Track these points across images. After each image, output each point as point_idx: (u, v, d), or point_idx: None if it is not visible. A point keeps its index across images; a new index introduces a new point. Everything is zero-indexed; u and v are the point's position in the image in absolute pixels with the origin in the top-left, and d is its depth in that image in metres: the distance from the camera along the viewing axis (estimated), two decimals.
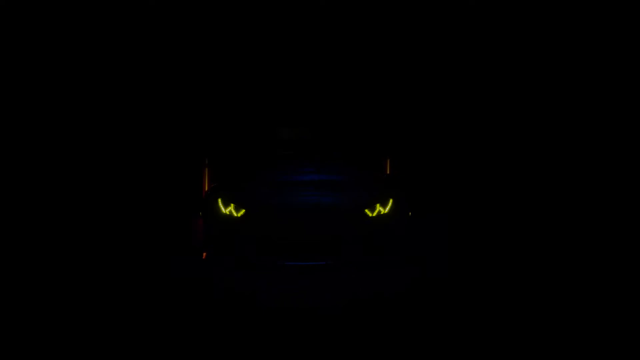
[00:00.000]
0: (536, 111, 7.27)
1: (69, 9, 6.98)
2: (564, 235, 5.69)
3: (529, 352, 3.13)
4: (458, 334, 3.36)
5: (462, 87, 7.42)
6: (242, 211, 4.40)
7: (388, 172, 5.57)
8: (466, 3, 7.23)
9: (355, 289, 4.15)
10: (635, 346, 3.19)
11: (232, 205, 4.43)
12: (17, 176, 6.73)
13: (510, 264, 4.79)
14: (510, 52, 7.30)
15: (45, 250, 5.24)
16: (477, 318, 3.59)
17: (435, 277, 4.46)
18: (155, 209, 6.81)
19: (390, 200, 4.47)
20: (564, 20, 7.13)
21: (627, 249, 5.18)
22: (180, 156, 7.11)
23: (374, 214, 4.40)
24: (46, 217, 6.36)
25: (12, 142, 6.85)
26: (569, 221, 6.24)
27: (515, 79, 7.31)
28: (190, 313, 3.69)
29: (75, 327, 3.47)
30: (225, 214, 4.42)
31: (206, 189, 5.36)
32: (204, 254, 4.55)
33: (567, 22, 7.13)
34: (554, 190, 6.99)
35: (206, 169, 5.39)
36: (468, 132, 7.40)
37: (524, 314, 3.66)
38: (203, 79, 7.35)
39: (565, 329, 3.42)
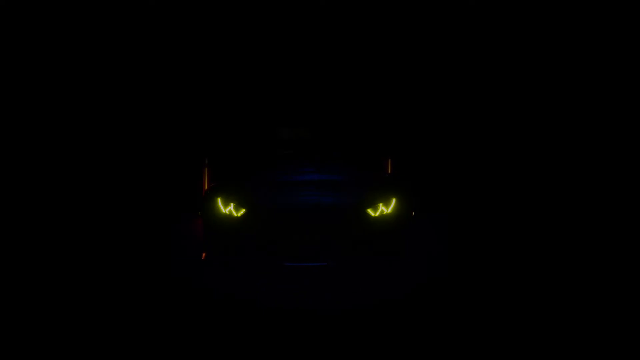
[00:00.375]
0: (535, 112, 7.27)
1: (70, 10, 6.96)
2: (563, 235, 5.68)
3: (528, 352, 3.12)
4: (459, 334, 3.35)
5: (463, 88, 7.42)
6: (242, 211, 4.37)
7: (389, 172, 5.55)
8: (466, 3, 7.23)
9: (356, 290, 4.13)
10: (635, 346, 3.18)
11: (232, 205, 4.41)
12: (23, 169, 6.73)
13: (510, 263, 4.78)
14: (510, 54, 7.30)
15: (47, 250, 5.22)
16: (477, 318, 3.57)
17: (435, 277, 4.44)
18: (155, 209, 6.79)
19: (393, 200, 4.44)
20: (563, 21, 7.14)
21: (627, 248, 5.17)
22: (181, 156, 7.09)
23: (377, 213, 4.37)
24: (48, 216, 6.34)
25: (13, 141, 6.83)
26: (569, 221, 6.23)
27: (515, 80, 7.31)
28: (190, 313, 3.67)
29: (76, 328, 3.44)
30: (225, 213, 4.40)
31: (206, 188, 5.34)
32: (204, 254, 4.52)
33: (566, 23, 7.13)
34: (554, 191, 6.99)
35: (206, 169, 5.36)
36: (469, 132, 7.40)
37: (524, 313, 3.64)
38: (203, 80, 7.33)
39: (565, 328, 3.41)
